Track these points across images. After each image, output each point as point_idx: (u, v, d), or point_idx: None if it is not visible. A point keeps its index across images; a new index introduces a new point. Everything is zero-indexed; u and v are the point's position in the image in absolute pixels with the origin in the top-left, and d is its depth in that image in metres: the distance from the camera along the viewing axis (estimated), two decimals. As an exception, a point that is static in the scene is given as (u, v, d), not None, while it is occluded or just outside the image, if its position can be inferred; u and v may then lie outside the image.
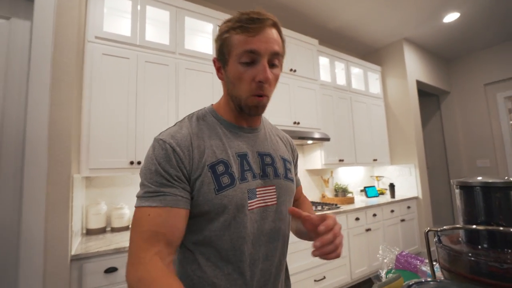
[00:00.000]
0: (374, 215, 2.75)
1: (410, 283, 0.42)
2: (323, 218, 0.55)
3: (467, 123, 4.05)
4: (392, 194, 3.17)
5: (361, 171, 3.67)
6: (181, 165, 0.55)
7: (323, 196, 3.05)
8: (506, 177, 0.48)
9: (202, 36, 2.31)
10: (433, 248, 0.54)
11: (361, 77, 3.50)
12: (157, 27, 2.10)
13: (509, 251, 0.43)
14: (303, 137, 2.42)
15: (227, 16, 0.63)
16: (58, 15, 1.33)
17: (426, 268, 0.74)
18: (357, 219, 2.56)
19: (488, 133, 3.82)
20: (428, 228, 0.53)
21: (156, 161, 0.54)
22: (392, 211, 2.96)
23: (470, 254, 0.44)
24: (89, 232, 1.69)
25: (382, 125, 3.59)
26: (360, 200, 3.04)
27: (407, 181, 3.43)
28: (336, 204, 2.62)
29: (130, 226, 1.70)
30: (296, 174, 0.81)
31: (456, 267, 0.46)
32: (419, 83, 3.70)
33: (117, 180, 1.93)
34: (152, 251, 0.49)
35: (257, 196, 0.61)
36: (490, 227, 0.45)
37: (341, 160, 2.94)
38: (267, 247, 0.62)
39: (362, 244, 2.59)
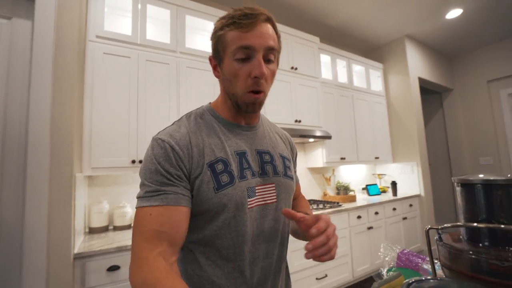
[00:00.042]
0: (376, 213, 2.74)
1: (410, 281, 0.41)
2: (317, 218, 0.54)
3: (470, 120, 4.02)
4: (394, 192, 3.16)
5: (363, 169, 3.66)
6: (180, 164, 0.54)
7: (325, 194, 3.05)
8: (509, 175, 0.47)
9: (203, 35, 2.31)
10: (434, 247, 0.54)
11: (363, 75, 3.48)
12: (157, 26, 2.10)
13: (511, 249, 0.43)
14: (304, 135, 2.42)
15: (228, 14, 0.63)
16: (59, 15, 1.33)
17: (427, 266, 0.74)
18: (359, 217, 2.56)
19: (491, 131, 3.79)
20: (429, 226, 0.52)
21: (155, 161, 0.54)
22: (394, 209, 2.95)
23: (471, 252, 0.44)
24: (92, 231, 1.70)
25: (384, 122, 3.57)
26: (362, 198, 3.04)
27: (409, 179, 3.41)
28: (338, 202, 2.62)
29: (132, 225, 1.71)
30: (295, 172, 0.80)
31: (457, 265, 0.46)
32: (421, 80, 3.67)
33: (119, 179, 1.94)
34: (155, 251, 0.49)
35: (257, 194, 0.61)
36: (491, 225, 0.45)
37: (342, 158, 2.93)
38: (267, 245, 0.62)
39: (364, 242, 2.59)
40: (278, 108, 2.43)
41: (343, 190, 2.94)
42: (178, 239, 0.52)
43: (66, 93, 1.32)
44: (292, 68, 2.58)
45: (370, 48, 3.86)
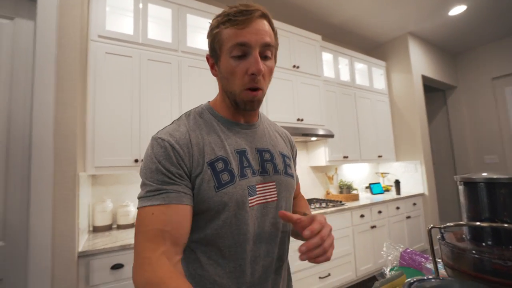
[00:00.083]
0: (379, 212, 2.73)
1: (412, 281, 0.41)
2: (312, 219, 0.54)
3: (475, 118, 3.98)
4: (398, 191, 3.14)
5: (366, 167, 3.64)
6: (181, 163, 0.54)
7: (328, 193, 3.04)
8: (512, 173, 0.47)
9: (204, 34, 2.31)
10: (437, 246, 0.54)
11: (365, 73, 3.46)
12: (159, 25, 2.10)
13: (514, 248, 0.43)
14: (307, 134, 2.41)
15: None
16: (61, 15, 1.34)
17: (430, 266, 0.73)
18: (362, 216, 2.55)
19: (496, 129, 3.74)
20: (431, 225, 0.52)
21: (156, 160, 0.53)
22: (398, 208, 2.94)
23: (473, 252, 0.44)
24: (96, 229, 1.71)
25: (387, 121, 3.55)
26: (365, 197, 3.03)
27: (413, 177, 3.39)
28: (340, 201, 2.61)
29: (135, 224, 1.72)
30: (295, 171, 0.80)
31: (459, 265, 0.46)
32: (424, 78, 3.64)
33: (122, 178, 1.95)
34: (158, 251, 0.48)
35: (257, 192, 0.61)
36: (494, 224, 0.44)
37: (345, 157, 2.92)
38: (268, 244, 0.62)
39: (367, 241, 2.58)
40: (280, 107, 2.42)
41: (346, 189, 2.93)
42: (181, 238, 0.52)
43: (69, 93, 1.33)
44: (294, 66, 2.57)
45: (373, 46, 3.83)
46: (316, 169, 3.09)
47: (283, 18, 2.86)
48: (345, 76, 3.21)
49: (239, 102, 0.59)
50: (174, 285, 0.44)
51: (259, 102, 0.60)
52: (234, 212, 0.57)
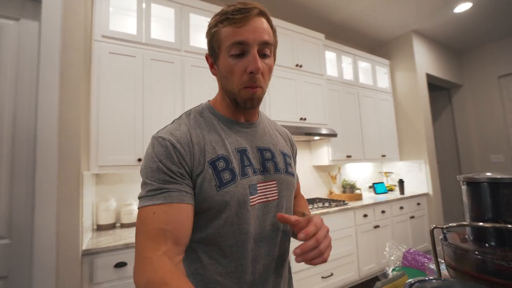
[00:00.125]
0: (383, 211, 2.71)
1: (413, 282, 0.41)
2: (309, 221, 0.54)
3: (480, 117, 3.93)
4: (402, 191, 3.12)
5: (369, 167, 3.62)
6: (182, 162, 0.54)
7: (331, 193, 3.03)
8: (517, 173, 0.46)
9: (207, 33, 2.31)
10: (440, 247, 0.53)
11: (369, 71, 3.43)
12: (162, 25, 2.11)
13: (518, 249, 0.42)
14: (310, 133, 2.40)
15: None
16: (65, 15, 1.35)
17: (434, 266, 0.73)
18: (365, 215, 2.54)
19: (502, 127, 3.69)
20: (434, 225, 0.52)
21: (157, 159, 0.53)
22: (401, 207, 2.92)
23: (476, 252, 0.43)
24: (100, 228, 1.73)
25: (391, 120, 3.52)
26: (369, 197, 3.01)
27: (417, 177, 3.36)
28: (343, 201, 2.60)
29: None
30: (295, 170, 0.80)
31: (462, 265, 0.45)
32: (429, 76, 3.60)
33: (125, 177, 1.96)
34: (160, 250, 0.47)
35: (258, 191, 0.60)
36: (497, 225, 0.43)
37: (348, 156, 2.91)
38: (269, 243, 0.61)
39: (370, 241, 2.57)
40: (283, 106, 2.42)
41: (349, 189, 2.92)
42: (183, 238, 0.51)
43: (73, 92, 1.34)
44: (296, 65, 2.56)
45: (376, 44, 3.80)
46: (319, 168, 3.08)
47: (285, 16, 2.85)
48: (348, 75, 3.19)
49: (239, 100, 0.59)
50: (176, 285, 0.44)
51: (259, 99, 0.60)
52: (235, 211, 0.57)
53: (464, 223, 0.48)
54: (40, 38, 1.28)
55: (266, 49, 0.57)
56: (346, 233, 2.38)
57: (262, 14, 0.57)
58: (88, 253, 1.33)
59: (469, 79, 4.08)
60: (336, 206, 2.40)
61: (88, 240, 1.48)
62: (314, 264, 0.50)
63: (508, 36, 3.66)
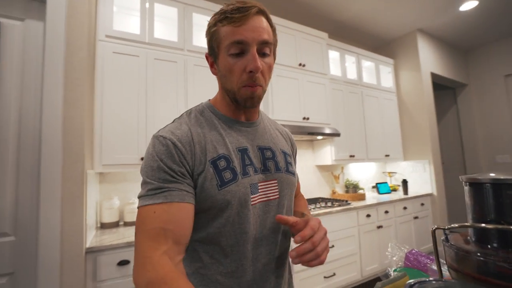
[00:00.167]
0: (386, 212, 2.70)
1: (412, 283, 0.41)
2: (306, 223, 0.54)
3: (486, 116, 3.88)
4: (405, 191, 3.10)
5: (373, 167, 3.60)
6: (183, 161, 0.54)
7: (334, 192, 3.02)
8: (521, 174, 0.45)
9: (210, 33, 2.31)
10: (441, 248, 0.53)
11: (373, 71, 3.41)
12: (165, 24, 2.12)
13: (521, 251, 0.42)
14: (312, 132, 2.40)
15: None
16: (70, 16, 1.36)
17: (436, 267, 0.72)
18: (368, 215, 2.53)
19: (509, 127, 3.64)
20: (435, 226, 0.51)
21: (157, 158, 0.53)
22: (405, 208, 2.90)
23: (478, 254, 0.43)
24: (103, 226, 1.75)
25: (395, 119, 3.50)
26: (372, 197, 2.99)
27: (421, 177, 3.34)
28: (346, 201, 2.59)
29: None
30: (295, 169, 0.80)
31: (463, 267, 0.45)
32: (434, 75, 3.57)
33: (128, 176, 1.98)
34: (160, 250, 0.47)
35: (259, 191, 0.60)
36: (500, 226, 0.43)
37: (352, 156, 2.89)
38: (269, 242, 0.61)
39: (373, 241, 2.56)
40: (286, 105, 2.41)
41: (352, 188, 2.90)
42: (183, 237, 0.51)
43: (77, 92, 1.36)
44: (300, 64, 2.56)
45: (380, 43, 3.77)
46: (322, 168, 3.07)
47: (288, 15, 2.84)
48: (352, 74, 3.17)
49: (239, 99, 0.59)
50: (176, 286, 0.44)
51: (259, 98, 0.60)
52: (237, 210, 0.57)
53: (466, 224, 0.47)
54: (44, 38, 1.30)
55: (266, 48, 0.57)
56: (348, 233, 2.37)
57: (261, 12, 0.57)
58: (91, 251, 1.35)
59: (475, 78, 4.03)
60: (339, 206, 2.40)
61: (91, 238, 1.50)
62: (311, 266, 0.51)
63: (515, 34, 3.61)
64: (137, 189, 1.99)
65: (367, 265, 2.48)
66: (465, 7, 2.92)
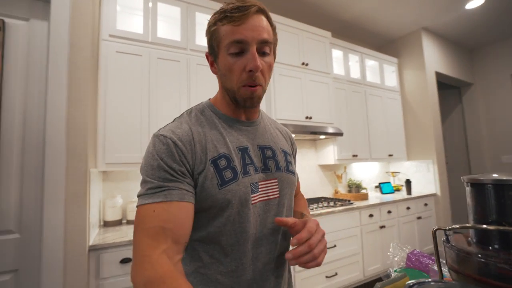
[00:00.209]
0: (389, 212, 2.68)
1: (411, 284, 0.40)
2: (304, 225, 0.54)
3: (492, 116, 3.83)
4: (409, 191, 3.07)
5: (376, 166, 3.58)
6: (184, 160, 0.54)
7: (336, 192, 3.01)
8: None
9: (213, 32, 2.31)
10: (442, 249, 0.52)
11: (376, 70, 3.38)
12: (168, 24, 2.12)
13: (522, 252, 0.41)
14: (315, 132, 2.39)
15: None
16: (73, 15, 1.37)
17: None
18: (370, 215, 2.51)
19: (515, 127, 3.60)
20: (436, 227, 0.51)
21: (157, 156, 0.53)
22: (408, 208, 2.88)
23: (479, 255, 0.42)
24: (106, 224, 1.76)
25: (399, 119, 3.47)
26: (375, 197, 2.98)
27: (425, 177, 3.31)
28: (349, 200, 2.58)
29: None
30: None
31: (464, 268, 0.45)
32: (438, 74, 3.53)
33: (131, 175, 1.99)
34: (159, 248, 0.47)
35: (260, 190, 0.60)
36: (501, 227, 0.42)
37: (354, 156, 2.88)
38: (269, 241, 0.62)
39: (376, 241, 2.54)
40: (288, 105, 2.41)
41: (355, 188, 2.89)
42: (183, 236, 0.51)
43: (81, 91, 1.37)
44: (303, 64, 2.55)
45: (384, 42, 3.74)
46: (325, 167, 3.06)
47: (291, 14, 2.83)
48: (355, 73, 3.15)
49: (239, 99, 0.59)
50: (175, 285, 0.43)
51: (259, 98, 0.60)
52: (237, 209, 0.57)
53: (467, 225, 0.47)
54: (49, 37, 1.31)
55: (266, 47, 0.57)
56: (351, 233, 2.36)
57: (261, 11, 0.57)
58: (94, 249, 1.36)
59: (481, 78, 3.98)
60: (342, 205, 2.39)
61: (95, 236, 1.51)
62: (308, 268, 0.51)
63: (522, 33, 3.56)
64: (139, 188, 2.00)
65: (369, 265, 2.47)
66: (471, 5, 2.88)
